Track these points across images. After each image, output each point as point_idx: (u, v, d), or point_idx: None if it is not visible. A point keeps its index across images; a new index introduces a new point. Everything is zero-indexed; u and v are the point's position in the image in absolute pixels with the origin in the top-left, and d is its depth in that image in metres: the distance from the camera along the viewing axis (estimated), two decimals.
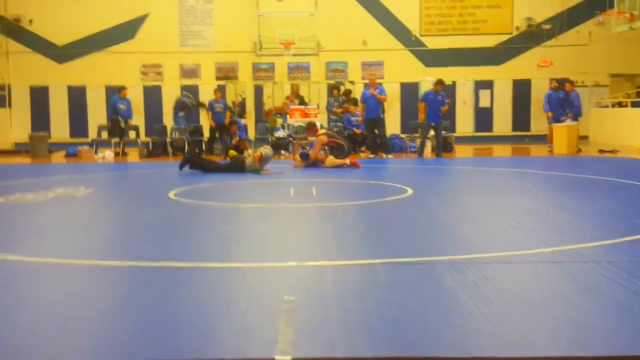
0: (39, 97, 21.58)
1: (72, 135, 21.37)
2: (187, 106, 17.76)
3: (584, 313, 3.49)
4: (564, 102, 16.81)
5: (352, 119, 17.35)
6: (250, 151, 15.24)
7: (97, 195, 8.66)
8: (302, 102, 18.28)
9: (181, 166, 11.57)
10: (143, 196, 8.53)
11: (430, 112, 15.51)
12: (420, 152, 15.62)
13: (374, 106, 15.59)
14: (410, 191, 8.49)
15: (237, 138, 15.31)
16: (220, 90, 17.72)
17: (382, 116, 15.82)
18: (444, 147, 17.44)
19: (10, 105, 21.59)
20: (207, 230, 5.98)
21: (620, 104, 19.64)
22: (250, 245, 5.32)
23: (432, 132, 16.03)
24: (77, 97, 21.58)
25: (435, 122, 15.49)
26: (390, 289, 3.99)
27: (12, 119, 21.60)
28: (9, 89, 21.55)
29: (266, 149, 11.85)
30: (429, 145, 17.64)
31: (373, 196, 8.40)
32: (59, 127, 21.63)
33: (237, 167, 11.45)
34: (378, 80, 21.87)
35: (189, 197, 8.25)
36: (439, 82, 15.91)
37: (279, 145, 16.79)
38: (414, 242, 5.40)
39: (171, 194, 8.37)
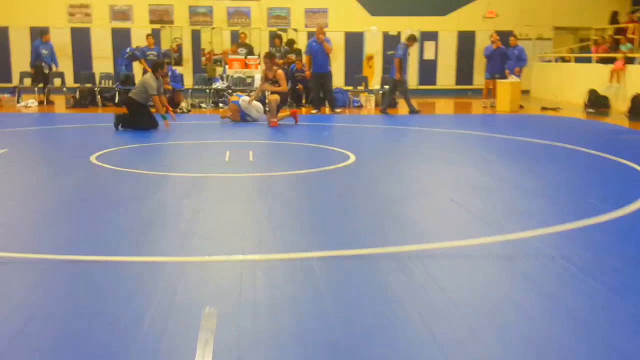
0: None
1: None
2: (135, 58, 16.53)
3: (541, 331, 3.11)
4: (504, 57, 16.46)
5: (297, 74, 16.62)
6: (184, 105, 14.52)
7: (9, 157, 7.84)
8: (250, 52, 17.34)
9: (116, 125, 10.79)
10: (62, 159, 7.79)
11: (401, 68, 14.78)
12: (383, 108, 14.97)
13: (324, 59, 14.81)
14: (352, 157, 8.02)
15: (170, 87, 14.44)
16: (154, 35, 16.63)
17: (330, 69, 15.12)
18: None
19: None
20: (125, 210, 5.36)
21: (563, 59, 19.53)
22: (172, 231, 4.75)
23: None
24: None
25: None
26: (328, 294, 3.53)
27: None
28: None
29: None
30: (372, 100, 17.20)
31: (312, 164, 7.88)
32: None
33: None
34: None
35: (112, 161, 7.56)
36: (413, 38, 15.19)
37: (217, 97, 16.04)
38: (355, 227, 4.94)
39: (93, 157, 7.66)
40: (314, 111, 14.88)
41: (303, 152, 8.89)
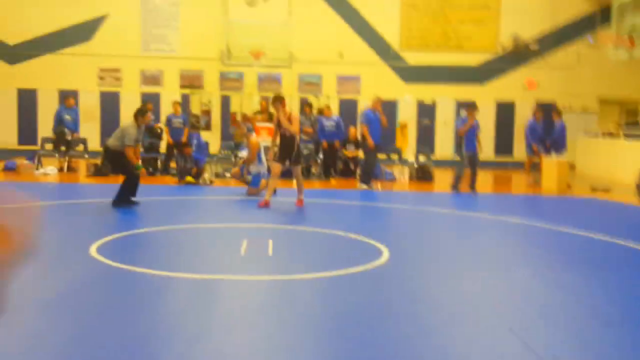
0: None
1: (20, 142, 19.70)
2: (156, 134, 15.99)
3: None
4: (546, 132, 15.57)
5: (326, 122, 15.74)
6: (206, 176, 13.76)
7: None
8: (270, 118, 16.67)
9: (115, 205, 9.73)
10: (58, 250, 6.92)
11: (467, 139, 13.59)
12: (455, 185, 13.60)
13: (379, 130, 13.91)
14: (385, 253, 7.04)
15: (190, 152, 13.74)
16: (180, 103, 16.11)
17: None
18: (421, 174, 16.10)
19: None
20: (106, 330, 4.44)
21: (610, 134, 18.46)
22: None
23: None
24: (27, 102, 19.88)
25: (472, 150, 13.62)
26: None
27: None
28: None
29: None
30: (406, 172, 16.33)
31: (337, 261, 6.90)
32: (7, 133, 19.94)
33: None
34: (353, 96, 20.61)
35: (114, 252, 6.70)
36: (473, 107, 13.96)
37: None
38: None
39: (94, 247, 6.80)
40: (365, 186, 13.86)
41: (327, 245, 7.90)
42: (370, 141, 13.81)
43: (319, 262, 6.85)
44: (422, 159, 16.57)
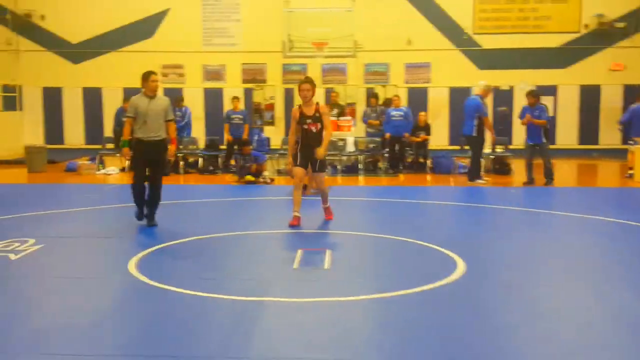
0: (52, 100, 19.88)
1: (87, 141, 19.65)
2: None
3: None
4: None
5: (394, 113, 14.78)
6: (266, 174, 13.09)
7: (36, 258, 6.48)
8: (342, 112, 15.87)
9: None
10: (93, 266, 6.35)
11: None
12: (529, 180, 12.67)
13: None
14: (461, 265, 6.13)
15: (249, 151, 13.16)
16: (239, 99, 15.49)
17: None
18: (498, 166, 14.92)
19: (21, 108, 19.90)
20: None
21: None
22: None
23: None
24: (92, 100, 19.79)
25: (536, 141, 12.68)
26: None
27: (24, 123, 19.88)
28: (20, 91, 19.85)
29: None
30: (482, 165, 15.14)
31: (404, 276, 6.05)
32: (74, 133, 19.94)
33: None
34: (423, 85, 19.51)
35: (153, 268, 6.08)
36: (533, 94, 12.94)
37: None
38: None
39: (133, 262, 6.20)
40: (479, 181, 12.94)
41: (392, 253, 7.03)
42: (493, 136, 13.23)
43: (381, 277, 5.99)
44: (498, 149, 15.36)
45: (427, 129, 15.27)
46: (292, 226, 7.90)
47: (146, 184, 8.03)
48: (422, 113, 15.52)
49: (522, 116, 12.86)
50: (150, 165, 7.95)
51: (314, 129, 7.98)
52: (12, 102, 19.66)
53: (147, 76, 8.12)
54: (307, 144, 8.01)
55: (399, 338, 4.36)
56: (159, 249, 6.87)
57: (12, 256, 6.44)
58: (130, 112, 8.00)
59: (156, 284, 5.52)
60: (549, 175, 12.56)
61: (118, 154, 15.25)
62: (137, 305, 5.13)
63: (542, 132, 12.66)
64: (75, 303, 5.08)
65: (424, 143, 15.09)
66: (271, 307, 5.01)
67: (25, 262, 6.30)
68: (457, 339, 4.34)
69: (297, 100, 20.16)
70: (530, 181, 12.60)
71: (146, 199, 8.02)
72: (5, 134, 18.68)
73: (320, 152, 7.94)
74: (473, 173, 13.11)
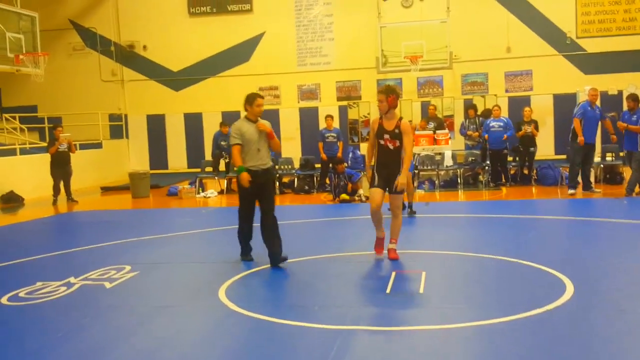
0: (156, 126, 20.68)
1: (189, 165, 20.22)
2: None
3: None
4: None
5: (493, 123, 14.11)
6: (361, 192, 12.85)
7: (129, 286, 6.57)
8: (440, 125, 15.42)
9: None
10: (186, 291, 6.34)
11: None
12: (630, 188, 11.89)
13: (595, 128, 12.64)
14: (569, 288, 5.65)
15: (343, 169, 12.99)
16: (332, 117, 15.39)
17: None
18: (610, 175, 13.97)
19: (127, 136, 20.82)
20: None
21: None
22: None
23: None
24: (193, 125, 20.42)
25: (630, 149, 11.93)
26: None
27: (130, 150, 20.79)
28: (126, 119, 20.79)
29: None
30: (592, 175, 14.24)
31: (505, 299, 5.64)
32: (177, 157, 20.61)
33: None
34: (524, 94, 18.69)
35: (242, 295, 6.00)
36: (632, 98, 12.25)
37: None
38: None
39: (224, 289, 6.13)
40: (571, 191, 12.41)
41: (493, 275, 6.60)
42: (580, 137, 12.27)
43: (480, 301, 5.61)
44: (608, 157, 14.40)
45: (534, 124, 14.45)
46: (378, 253, 7.29)
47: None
48: (527, 108, 14.78)
49: (622, 120, 12.03)
50: (262, 197, 7.13)
51: (391, 145, 7.03)
52: (118, 131, 20.64)
53: (252, 100, 7.15)
54: (384, 162, 7.11)
55: None
56: (251, 274, 6.80)
57: (108, 284, 6.55)
58: (237, 138, 7.03)
59: (246, 312, 5.41)
60: (632, 187, 11.72)
61: (216, 177, 15.57)
62: (224, 336, 5.02)
63: (638, 139, 11.73)
64: (162, 334, 5.03)
65: (531, 152, 14.29)
66: (362, 337, 4.76)
67: (118, 290, 6.38)
68: None
69: None
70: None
71: (265, 237, 7.11)
72: (113, 162, 19.61)
73: (402, 181, 6.99)
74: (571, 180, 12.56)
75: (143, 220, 11.63)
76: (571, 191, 12.37)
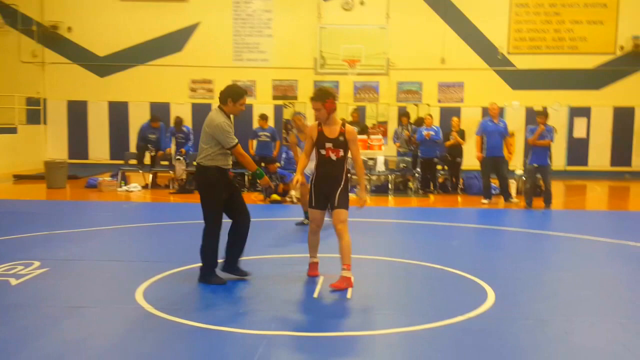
0: (77, 113, 19.72)
1: (112, 156, 19.43)
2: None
3: None
4: None
5: (425, 132, 14.09)
6: (293, 193, 12.62)
7: (37, 283, 6.08)
8: (362, 131, 15.35)
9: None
10: (99, 291, 5.92)
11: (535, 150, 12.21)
12: (529, 201, 12.23)
13: (499, 141, 12.72)
14: (490, 296, 5.66)
15: (276, 168, 12.75)
16: (266, 117, 15.10)
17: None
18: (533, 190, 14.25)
19: (45, 122, 19.79)
20: None
21: None
22: None
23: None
24: (118, 114, 19.61)
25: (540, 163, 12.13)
26: None
27: (48, 137, 19.78)
28: (45, 104, 19.76)
29: None
30: (514, 187, 14.53)
31: (429, 306, 5.56)
32: (98, 147, 19.76)
33: None
34: (455, 104, 18.97)
35: (161, 296, 5.64)
36: (542, 113, 12.57)
37: None
38: None
39: (140, 290, 5.74)
40: (484, 201, 12.68)
41: (419, 281, 6.51)
42: (479, 153, 12.79)
43: (407, 309, 5.49)
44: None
45: (461, 133, 14.64)
46: (311, 277, 6.38)
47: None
48: (455, 118, 14.98)
49: (528, 136, 12.28)
50: (234, 198, 6.27)
51: (333, 156, 6.01)
52: (36, 116, 19.57)
53: (239, 96, 6.09)
54: (324, 176, 6.09)
55: None
56: (171, 275, 6.44)
57: (13, 281, 6.06)
58: (232, 137, 6.00)
59: (164, 315, 5.08)
60: (549, 199, 12.13)
61: (141, 171, 14.98)
62: (139, 340, 4.66)
63: (548, 153, 12.12)
64: (72, 337, 4.63)
65: (457, 162, 14.48)
66: (286, 343, 4.54)
67: (25, 287, 5.89)
68: None
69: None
70: (529, 204, 12.14)
71: (233, 241, 6.24)
72: (28, 148, 18.60)
73: (364, 198, 6.36)
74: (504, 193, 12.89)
75: (57, 213, 10.96)
76: (484, 201, 12.71)
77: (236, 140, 5.99)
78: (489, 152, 12.68)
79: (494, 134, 12.67)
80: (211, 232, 6.09)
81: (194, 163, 6.35)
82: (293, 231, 9.30)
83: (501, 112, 18.43)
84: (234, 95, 6.05)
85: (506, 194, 12.92)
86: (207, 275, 6.09)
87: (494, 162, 12.65)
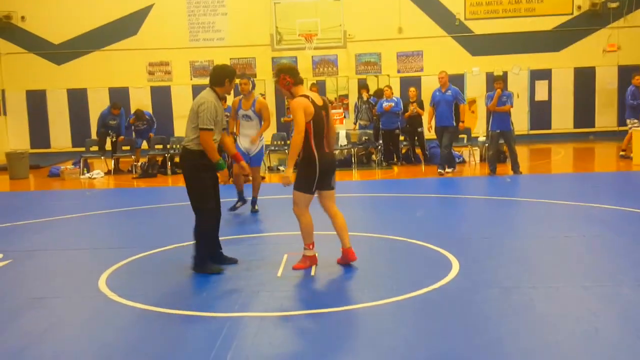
0: (37, 103, 19.40)
1: (74, 144, 19.16)
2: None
3: None
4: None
5: (385, 104, 14.11)
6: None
7: (1, 276, 6.02)
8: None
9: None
10: (63, 281, 5.93)
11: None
12: (492, 168, 12.32)
13: (447, 110, 12.67)
14: (455, 265, 5.77)
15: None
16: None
17: (454, 124, 12.82)
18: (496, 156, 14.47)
19: (5, 113, 19.44)
20: None
21: None
22: None
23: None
24: (78, 102, 19.34)
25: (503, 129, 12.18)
26: None
27: (8, 128, 19.45)
28: (3, 95, 19.41)
29: None
30: (477, 153, 14.80)
31: (395, 278, 5.67)
32: (59, 135, 19.48)
33: None
34: (415, 74, 19.07)
35: (126, 283, 5.67)
36: (498, 78, 12.60)
37: None
38: None
39: (104, 278, 5.77)
40: (441, 171, 12.64)
41: (383, 255, 6.63)
42: (429, 124, 13.08)
43: (371, 283, 5.60)
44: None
45: (420, 104, 14.70)
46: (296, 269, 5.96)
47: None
48: (412, 88, 14.88)
49: (488, 102, 12.34)
50: (215, 184, 6.06)
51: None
52: None
53: (233, 75, 5.97)
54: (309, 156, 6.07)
55: (382, 354, 3.96)
56: (134, 261, 6.44)
57: None
58: (211, 120, 5.67)
59: (127, 301, 5.12)
60: (517, 164, 12.18)
61: (103, 157, 14.85)
62: (103, 328, 4.70)
63: (509, 119, 12.25)
64: (33, 328, 4.65)
65: (419, 132, 14.54)
66: (250, 323, 4.61)
67: None
68: (448, 353, 3.95)
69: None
70: (493, 170, 12.22)
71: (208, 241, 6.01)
72: None
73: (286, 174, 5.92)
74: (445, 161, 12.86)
75: (20, 204, 10.85)
76: (440, 170, 12.63)
77: (212, 127, 5.69)
78: (438, 121, 12.71)
79: (441, 103, 12.65)
80: (205, 217, 5.91)
81: (176, 147, 6.24)
82: (243, 211, 9.23)
83: (462, 79, 18.73)
84: (230, 74, 5.90)
85: (452, 162, 12.99)
86: (201, 264, 5.92)
87: (442, 132, 12.67)
